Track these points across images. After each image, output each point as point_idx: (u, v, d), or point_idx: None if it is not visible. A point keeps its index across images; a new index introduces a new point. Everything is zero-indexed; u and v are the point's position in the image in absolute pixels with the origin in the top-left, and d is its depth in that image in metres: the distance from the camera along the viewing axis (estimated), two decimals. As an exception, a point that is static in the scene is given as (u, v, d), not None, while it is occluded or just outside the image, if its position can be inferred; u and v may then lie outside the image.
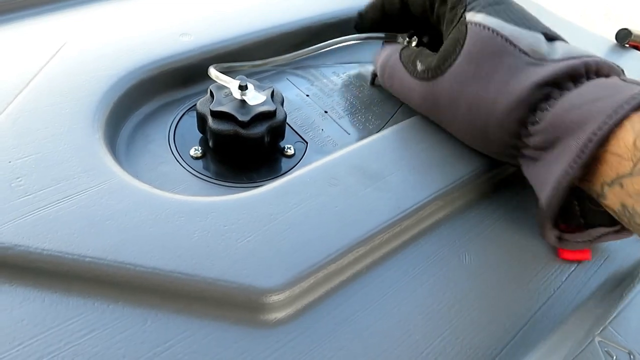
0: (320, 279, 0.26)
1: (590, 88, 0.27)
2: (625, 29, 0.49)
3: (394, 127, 0.35)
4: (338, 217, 0.28)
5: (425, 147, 0.33)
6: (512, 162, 0.31)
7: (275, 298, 0.25)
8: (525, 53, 0.29)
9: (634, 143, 0.23)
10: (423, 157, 0.32)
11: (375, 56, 0.39)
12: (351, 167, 0.31)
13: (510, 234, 0.31)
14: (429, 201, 0.30)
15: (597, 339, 0.25)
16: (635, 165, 0.23)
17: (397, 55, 0.36)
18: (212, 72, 0.34)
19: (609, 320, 0.26)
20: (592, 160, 0.25)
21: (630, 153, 0.24)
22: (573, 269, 0.30)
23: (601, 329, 0.26)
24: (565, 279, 0.29)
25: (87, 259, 0.24)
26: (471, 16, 0.31)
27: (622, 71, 0.29)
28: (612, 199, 0.25)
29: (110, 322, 0.23)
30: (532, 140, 0.28)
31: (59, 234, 0.25)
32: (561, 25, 0.51)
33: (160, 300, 0.24)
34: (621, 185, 0.24)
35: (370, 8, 0.39)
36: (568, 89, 0.27)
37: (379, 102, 0.40)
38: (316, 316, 0.25)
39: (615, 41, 0.50)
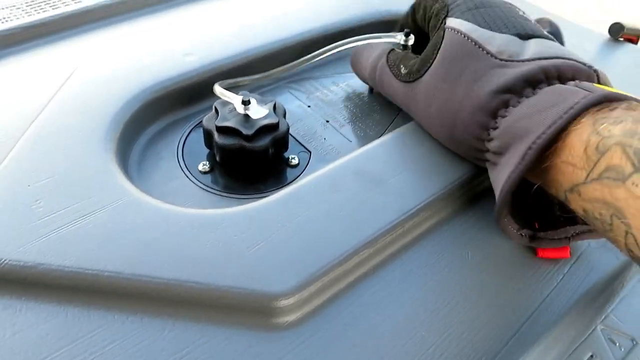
0: (329, 281, 0.27)
1: (543, 96, 0.27)
2: (618, 23, 0.50)
3: (394, 132, 0.36)
4: (343, 221, 0.29)
5: (424, 150, 0.34)
6: (482, 165, 0.32)
7: (285, 302, 0.26)
8: (493, 55, 0.30)
9: (585, 152, 0.24)
10: (423, 160, 0.33)
11: (354, 57, 0.41)
12: (354, 173, 0.32)
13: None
14: (430, 202, 0.31)
15: (600, 327, 0.26)
16: (588, 174, 0.24)
17: (385, 58, 0.37)
18: (217, 89, 0.36)
19: (611, 308, 0.27)
20: (550, 170, 0.26)
21: (582, 162, 0.24)
22: (574, 261, 0.30)
23: (603, 317, 0.27)
24: (567, 271, 0.30)
25: (106, 274, 0.26)
26: (450, 21, 0.32)
27: (595, 72, 0.29)
28: (574, 206, 0.25)
29: (130, 332, 0.25)
30: (492, 145, 0.29)
31: (79, 251, 0.27)
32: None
33: (176, 310, 0.26)
34: (579, 193, 0.24)
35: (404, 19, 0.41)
36: (527, 96, 0.28)
37: (378, 110, 0.41)
38: (326, 317, 0.26)
39: (609, 35, 0.50)
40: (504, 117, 0.28)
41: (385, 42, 0.39)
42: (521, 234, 0.29)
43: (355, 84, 0.44)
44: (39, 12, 0.48)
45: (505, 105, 0.28)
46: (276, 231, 0.28)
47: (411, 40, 0.39)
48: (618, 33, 0.50)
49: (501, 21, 0.31)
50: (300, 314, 0.26)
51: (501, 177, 0.27)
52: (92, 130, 0.34)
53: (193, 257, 0.27)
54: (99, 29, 0.47)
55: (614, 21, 0.50)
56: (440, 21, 0.34)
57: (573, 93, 0.26)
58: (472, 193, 0.33)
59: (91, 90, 0.37)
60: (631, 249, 0.22)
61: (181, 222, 0.29)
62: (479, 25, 0.31)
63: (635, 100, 0.25)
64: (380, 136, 0.38)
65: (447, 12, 0.34)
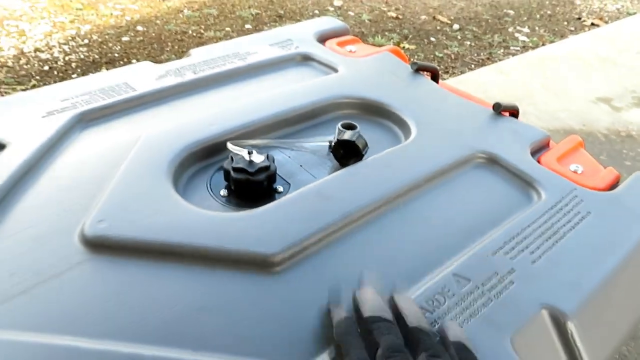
0: (307, 245, 0.48)
1: None
2: (497, 102, 0.73)
3: (341, 171, 0.58)
4: (311, 212, 0.51)
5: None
6: None
7: (276, 258, 0.47)
8: None
9: None
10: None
11: None
12: (314, 193, 0.54)
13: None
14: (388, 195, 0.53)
15: (446, 271, 0.47)
16: None
17: None
18: (229, 145, 0.59)
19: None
20: None
21: None
22: None
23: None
24: None
25: (175, 242, 0.47)
26: None
27: None
28: None
29: (180, 278, 0.46)
30: None
31: (160, 230, 0.48)
32: (450, 100, 0.76)
33: (205, 265, 0.47)
34: None
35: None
36: None
37: (332, 158, 0.64)
38: (306, 268, 0.47)
39: (493, 110, 0.74)
40: None
41: None
42: None
43: (321, 143, 0.67)
44: (110, 97, 0.71)
45: None
46: (268, 221, 0.50)
47: None
48: (499, 109, 0.74)
49: None
50: (286, 265, 0.47)
51: None
52: (157, 171, 0.56)
53: (220, 232, 0.48)
54: (152, 108, 0.71)
55: (495, 101, 0.74)
56: None
57: None
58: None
59: (154, 146, 0.60)
60: None
61: (213, 220, 0.51)
62: None
63: None
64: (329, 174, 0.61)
65: None
